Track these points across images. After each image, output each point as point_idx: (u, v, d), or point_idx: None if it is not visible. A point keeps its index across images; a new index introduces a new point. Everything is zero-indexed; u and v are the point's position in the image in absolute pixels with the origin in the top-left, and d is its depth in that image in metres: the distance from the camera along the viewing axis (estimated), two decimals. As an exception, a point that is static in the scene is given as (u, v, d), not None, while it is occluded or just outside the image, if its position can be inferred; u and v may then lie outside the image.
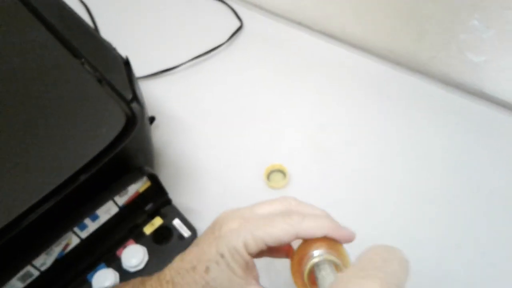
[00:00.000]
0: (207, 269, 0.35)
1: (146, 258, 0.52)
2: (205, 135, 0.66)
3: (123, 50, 0.56)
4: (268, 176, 0.61)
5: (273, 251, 0.39)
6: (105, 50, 0.55)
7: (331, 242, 0.36)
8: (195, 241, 0.39)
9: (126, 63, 0.54)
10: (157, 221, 0.54)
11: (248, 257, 0.35)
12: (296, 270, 0.36)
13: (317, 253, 0.35)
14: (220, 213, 0.39)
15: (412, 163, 0.61)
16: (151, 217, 0.54)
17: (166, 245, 0.53)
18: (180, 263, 0.37)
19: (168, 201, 0.55)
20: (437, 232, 0.55)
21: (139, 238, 0.53)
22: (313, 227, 0.35)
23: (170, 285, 0.36)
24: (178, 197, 0.57)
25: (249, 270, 0.36)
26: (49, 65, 0.52)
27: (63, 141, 0.46)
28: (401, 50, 0.73)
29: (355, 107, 0.68)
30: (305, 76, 0.73)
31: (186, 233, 0.53)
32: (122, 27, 0.82)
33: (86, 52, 0.53)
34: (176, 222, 0.54)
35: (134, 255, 0.51)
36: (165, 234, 0.54)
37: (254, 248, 0.35)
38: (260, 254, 0.37)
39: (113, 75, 0.52)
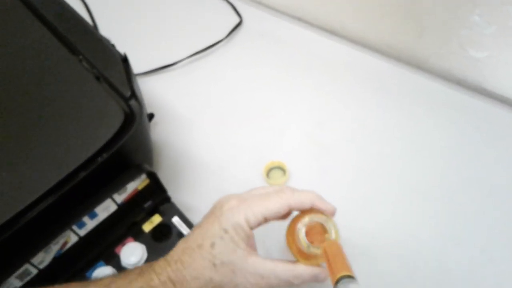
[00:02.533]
0: (212, 245, 0.38)
1: (145, 255, 0.51)
2: (205, 132, 0.66)
3: (121, 47, 0.56)
4: (268, 173, 0.60)
5: None
6: (103, 46, 0.54)
7: (320, 213, 0.41)
8: (196, 225, 0.42)
9: (124, 59, 0.54)
10: (156, 219, 0.54)
11: (249, 231, 0.39)
12: (291, 236, 0.41)
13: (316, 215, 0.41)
14: (218, 198, 0.43)
15: (412, 159, 0.61)
16: (150, 214, 0.54)
17: (165, 242, 0.53)
18: (185, 244, 0.40)
19: (167, 199, 0.55)
20: (436, 228, 0.55)
21: (138, 235, 0.53)
22: (303, 199, 0.40)
23: (179, 263, 0.39)
24: (177, 194, 0.57)
25: (250, 241, 0.40)
26: (47, 62, 0.52)
27: (61, 139, 0.46)
28: (401, 46, 0.73)
29: (354, 104, 0.68)
30: (305, 72, 0.72)
31: (185, 230, 0.53)
32: (121, 23, 0.82)
33: (84, 49, 0.53)
34: (175, 220, 0.54)
35: (133, 253, 0.51)
36: (164, 231, 0.53)
37: (254, 222, 0.39)
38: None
39: (111, 72, 0.51)
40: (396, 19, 0.69)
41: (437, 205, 0.57)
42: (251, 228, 0.39)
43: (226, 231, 0.38)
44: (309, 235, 0.40)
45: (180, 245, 0.41)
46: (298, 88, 0.71)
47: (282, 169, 0.61)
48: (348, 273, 0.37)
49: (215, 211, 0.41)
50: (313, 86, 0.71)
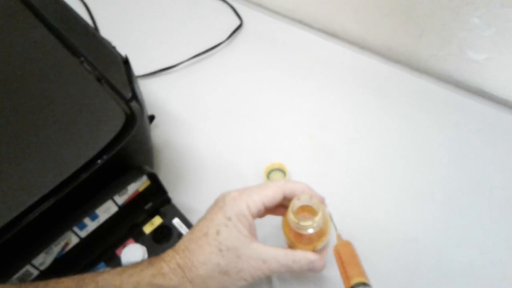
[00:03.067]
0: (218, 232, 0.41)
1: (145, 257, 0.51)
2: (205, 134, 0.66)
3: (123, 49, 0.56)
4: (268, 175, 0.60)
5: (270, 211, 0.46)
6: (105, 48, 0.55)
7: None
8: (200, 218, 0.44)
9: (126, 61, 0.54)
10: (157, 220, 0.54)
11: (251, 219, 0.42)
12: (287, 227, 0.45)
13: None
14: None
15: (412, 161, 0.61)
16: (150, 216, 0.54)
17: (166, 244, 0.53)
18: (191, 235, 0.43)
19: (167, 200, 0.55)
20: (436, 230, 0.55)
21: (139, 237, 0.53)
22: (295, 186, 0.44)
23: (186, 251, 0.41)
24: (178, 196, 0.57)
25: (252, 229, 0.43)
26: (49, 64, 0.52)
27: (62, 141, 0.46)
28: (401, 48, 0.73)
29: (355, 106, 0.68)
30: (305, 75, 0.73)
31: (185, 232, 0.53)
32: (122, 25, 0.82)
33: (85, 51, 0.53)
34: (176, 221, 0.54)
35: (133, 254, 0.51)
36: (165, 233, 0.53)
37: (255, 209, 0.42)
38: (260, 215, 0.44)
39: (112, 74, 0.52)
40: (396, 21, 0.69)
41: (437, 207, 0.57)
42: (253, 216, 0.43)
43: (229, 219, 0.41)
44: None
45: (186, 236, 0.43)
46: (298, 90, 0.71)
47: (282, 171, 0.61)
48: (364, 280, 0.38)
49: (218, 203, 0.44)
50: (313, 88, 0.71)
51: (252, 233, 0.43)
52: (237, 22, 0.81)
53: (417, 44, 0.70)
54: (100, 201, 0.48)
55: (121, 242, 0.53)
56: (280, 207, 0.46)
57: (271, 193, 0.43)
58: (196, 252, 0.41)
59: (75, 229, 0.48)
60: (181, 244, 0.42)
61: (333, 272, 0.49)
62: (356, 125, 0.66)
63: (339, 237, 0.45)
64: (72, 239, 0.48)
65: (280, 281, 0.51)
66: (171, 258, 0.41)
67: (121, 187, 0.49)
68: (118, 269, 0.41)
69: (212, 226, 0.42)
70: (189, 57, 0.75)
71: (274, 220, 0.49)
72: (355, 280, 0.39)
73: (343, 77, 0.72)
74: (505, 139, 0.62)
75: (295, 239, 0.44)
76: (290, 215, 0.43)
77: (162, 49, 0.78)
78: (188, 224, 0.54)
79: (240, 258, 0.41)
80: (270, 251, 0.42)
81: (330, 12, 0.77)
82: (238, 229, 0.41)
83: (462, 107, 0.66)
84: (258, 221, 0.45)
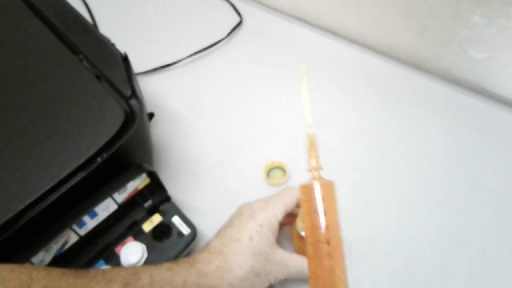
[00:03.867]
0: (250, 238, 0.45)
1: (145, 255, 0.51)
2: (205, 131, 0.66)
3: (122, 46, 0.56)
4: (268, 173, 0.60)
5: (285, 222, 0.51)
6: (104, 46, 0.54)
7: None
8: (226, 225, 0.47)
9: (125, 59, 0.53)
10: (156, 218, 0.54)
11: (277, 226, 0.47)
12: (298, 240, 0.49)
13: None
14: (238, 206, 0.49)
15: (413, 160, 0.61)
16: (150, 214, 0.54)
17: (165, 242, 0.52)
18: (222, 240, 0.46)
19: (167, 198, 0.55)
20: (436, 230, 0.55)
21: (138, 235, 0.53)
22: None
23: (222, 255, 0.44)
24: (178, 194, 0.57)
25: (276, 236, 0.47)
26: (47, 62, 0.52)
27: (62, 138, 0.46)
28: (402, 47, 0.73)
29: (355, 104, 0.68)
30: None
31: (185, 230, 0.53)
32: (121, 22, 0.82)
33: (84, 48, 0.53)
34: (176, 219, 0.54)
35: (133, 252, 0.51)
36: (164, 231, 0.53)
37: (280, 216, 0.47)
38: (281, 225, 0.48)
39: (111, 71, 0.51)
40: (397, 19, 0.69)
41: (437, 206, 0.57)
42: (278, 223, 0.47)
43: (261, 226, 0.45)
44: None
45: (217, 241, 0.46)
46: (298, 88, 0.70)
47: (282, 169, 0.61)
48: None
49: (245, 212, 0.47)
50: (313, 86, 0.71)
51: (276, 239, 0.47)
52: (237, 19, 0.81)
53: (418, 42, 0.69)
54: (100, 199, 0.47)
55: (120, 240, 0.52)
56: (286, 218, 0.50)
57: (290, 200, 0.48)
58: (232, 256, 0.44)
59: (74, 227, 0.47)
60: (213, 250, 0.45)
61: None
62: (357, 124, 0.65)
63: (313, 163, 0.42)
64: (71, 237, 0.48)
65: (280, 281, 0.51)
66: (209, 261, 0.44)
67: (120, 185, 0.49)
68: (166, 265, 0.44)
69: (245, 232, 0.45)
70: (189, 54, 0.75)
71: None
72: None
73: (344, 75, 0.72)
74: (505, 137, 0.62)
75: (304, 245, 0.46)
76: (299, 223, 0.46)
77: (162, 46, 0.78)
78: (188, 222, 0.54)
79: (269, 262, 0.45)
80: (291, 257, 0.46)
81: (331, 9, 0.77)
82: (267, 236, 0.45)
83: (463, 105, 0.66)
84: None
